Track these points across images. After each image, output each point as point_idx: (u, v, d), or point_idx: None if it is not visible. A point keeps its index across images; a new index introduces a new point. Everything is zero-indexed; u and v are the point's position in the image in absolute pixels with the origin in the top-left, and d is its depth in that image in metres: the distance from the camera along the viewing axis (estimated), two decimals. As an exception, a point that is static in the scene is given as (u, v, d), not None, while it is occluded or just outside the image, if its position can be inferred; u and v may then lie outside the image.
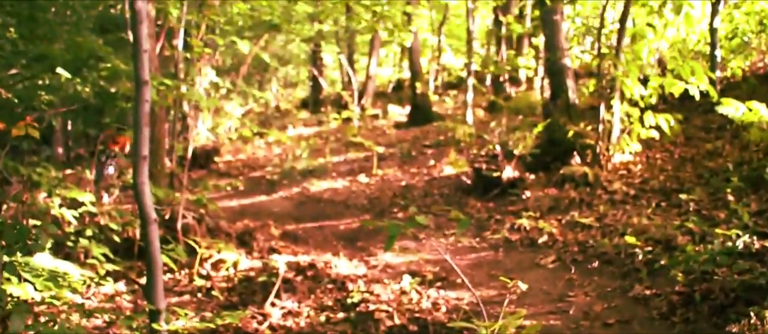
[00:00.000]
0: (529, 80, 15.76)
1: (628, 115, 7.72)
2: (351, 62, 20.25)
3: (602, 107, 7.78)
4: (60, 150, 16.82)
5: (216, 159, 14.82)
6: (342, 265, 6.17)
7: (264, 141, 16.62)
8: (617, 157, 7.98)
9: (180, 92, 7.26)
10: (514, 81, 15.87)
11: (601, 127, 7.77)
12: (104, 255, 6.01)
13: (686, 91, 7.22)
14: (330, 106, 19.14)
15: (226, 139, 16.29)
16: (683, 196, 6.26)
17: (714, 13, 9.87)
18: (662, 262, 4.97)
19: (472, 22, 13.59)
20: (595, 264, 5.44)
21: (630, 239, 5.29)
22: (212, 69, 15.82)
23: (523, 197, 7.50)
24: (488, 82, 17.45)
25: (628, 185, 7.22)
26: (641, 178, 7.40)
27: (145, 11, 3.82)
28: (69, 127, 23.38)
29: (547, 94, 15.02)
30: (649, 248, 5.27)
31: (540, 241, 6.24)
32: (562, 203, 7.07)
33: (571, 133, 7.82)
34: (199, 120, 15.57)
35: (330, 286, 5.66)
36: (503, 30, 15.01)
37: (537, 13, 14.09)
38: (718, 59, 9.89)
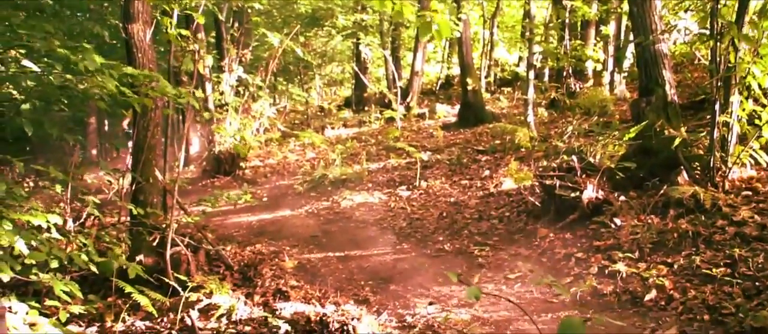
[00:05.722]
0: (597, 74, 13.69)
1: (753, 116, 5.76)
2: (396, 58, 18.66)
3: (717, 106, 5.84)
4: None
5: (242, 164, 13.36)
6: (364, 326, 4.45)
7: (300, 143, 15.10)
8: (735, 172, 6.01)
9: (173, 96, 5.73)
10: (580, 75, 13.82)
11: (715, 132, 5.82)
12: (70, 293, 4.68)
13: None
14: (374, 105, 17.63)
15: (256, 142, 14.79)
16: None
17: None
18: None
19: (532, 8, 11.69)
20: (745, 346, 3.55)
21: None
22: (240, 65, 14.43)
23: (613, 226, 5.60)
24: (546, 77, 15.50)
25: (760, 212, 5.26)
26: (777, 202, 5.43)
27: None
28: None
29: (620, 89, 13.11)
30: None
31: (647, 298, 4.34)
32: (669, 237, 5.11)
33: (677, 141, 5.88)
34: (227, 120, 14.21)
35: (345, 361, 3.98)
36: (566, 16, 13.00)
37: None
38: None
